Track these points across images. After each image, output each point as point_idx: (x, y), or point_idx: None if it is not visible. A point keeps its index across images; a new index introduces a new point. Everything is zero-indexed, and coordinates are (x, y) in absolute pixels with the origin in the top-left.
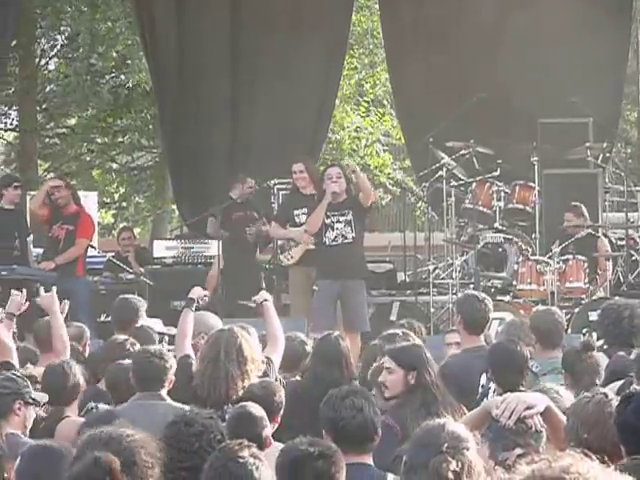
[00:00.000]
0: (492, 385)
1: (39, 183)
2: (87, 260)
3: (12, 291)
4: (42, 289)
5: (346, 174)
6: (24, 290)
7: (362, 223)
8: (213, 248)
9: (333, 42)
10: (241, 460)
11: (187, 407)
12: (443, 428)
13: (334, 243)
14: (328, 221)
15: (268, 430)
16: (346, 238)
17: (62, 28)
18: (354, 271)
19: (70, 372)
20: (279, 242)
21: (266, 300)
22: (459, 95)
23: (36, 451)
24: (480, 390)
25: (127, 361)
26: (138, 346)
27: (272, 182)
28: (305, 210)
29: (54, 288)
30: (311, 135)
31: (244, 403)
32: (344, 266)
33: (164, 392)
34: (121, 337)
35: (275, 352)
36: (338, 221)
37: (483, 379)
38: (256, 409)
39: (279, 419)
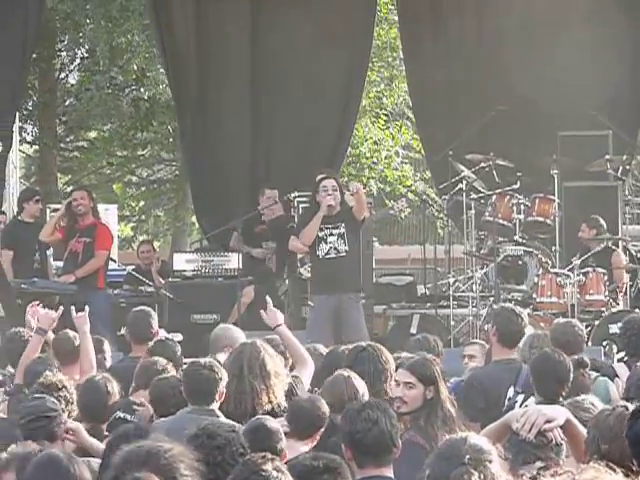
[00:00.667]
0: (519, 398)
1: (59, 196)
2: (107, 273)
3: (39, 307)
4: (73, 309)
5: (341, 187)
6: (60, 307)
7: (356, 236)
8: (233, 261)
9: (355, 54)
10: (264, 473)
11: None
12: (465, 441)
13: (327, 256)
14: (321, 234)
15: (284, 443)
16: (339, 251)
17: (81, 41)
18: (349, 284)
19: (111, 391)
20: (299, 255)
21: (279, 325)
22: (479, 108)
23: (41, 461)
24: (506, 402)
25: (171, 374)
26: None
27: (293, 195)
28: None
29: (87, 307)
30: (332, 148)
31: (260, 416)
32: (339, 280)
33: (215, 406)
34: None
35: (305, 371)
36: (331, 234)
37: (511, 392)
38: (272, 422)
39: (319, 435)
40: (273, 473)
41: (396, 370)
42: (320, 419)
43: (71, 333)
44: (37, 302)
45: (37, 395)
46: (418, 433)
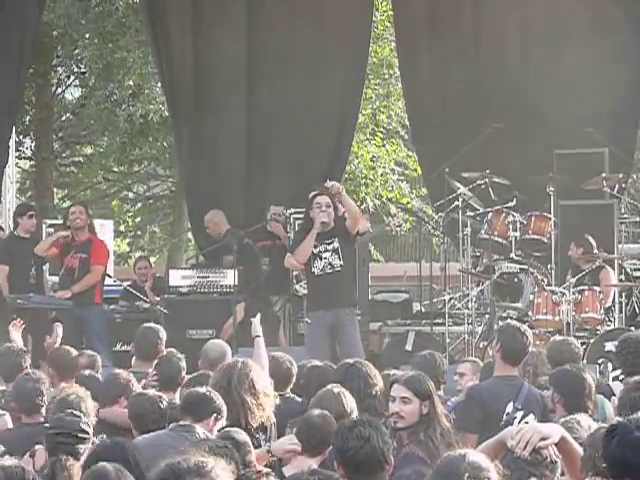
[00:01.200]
0: (518, 414)
1: (55, 211)
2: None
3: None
4: None
5: (334, 201)
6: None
7: (350, 250)
8: (229, 277)
9: (351, 72)
10: None
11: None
12: (464, 458)
13: (322, 272)
14: (316, 250)
15: (252, 455)
16: (334, 267)
17: (78, 57)
18: (345, 299)
19: (84, 410)
20: (294, 272)
21: (258, 336)
22: (475, 125)
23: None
24: (504, 418)
25: (152, 391)
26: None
27: (288, 212)
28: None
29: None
30: (329, 165)
31: (228, 429)
32: (334, 295)
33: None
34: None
35: None
36: (326, 250)
37: (509, 407)
38: (239, 434)
39: (328, 452)
40: None
41: (391, 386)
42: (331, 435)
43: (69, 348)
44: (17, 319)
45: (74, 413)
46: (418, 447)
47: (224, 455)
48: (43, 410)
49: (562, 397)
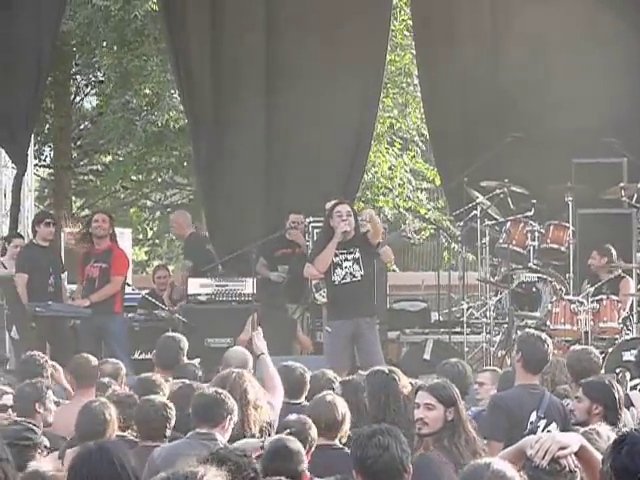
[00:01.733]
0: (541, 423)
1: (73, 220)
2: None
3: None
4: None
5: (355, 212)
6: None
7: (371, 260)
8: (248, 286)
9: (369, 80)
10: None
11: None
12: (489, 467)
13: (343, 282)
14: (336, 259)
15: (305, 464)
16: (355, 276)
17: (96, 65)
18: (365, 309)
19: (109, 418)
20: (314, 281)
21: (262, 354)
22: (494, 134)
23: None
24: (528, 427)
25: (159, 397)
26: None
27: (307, 220)
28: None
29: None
30: (347, 174)
31: (281, 436)
32: (355, 305)
33: (219, 431)
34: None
35: (275, 399)
36: (346, 259)
37: (533, 416)
38: (293, 443)
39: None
40: None
41: (416, 393)
42: (309, 442)
43: (89, 356)
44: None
45: (22, 422)
46: (442, 453)
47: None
48: (40, 417)
49: (604, 409)
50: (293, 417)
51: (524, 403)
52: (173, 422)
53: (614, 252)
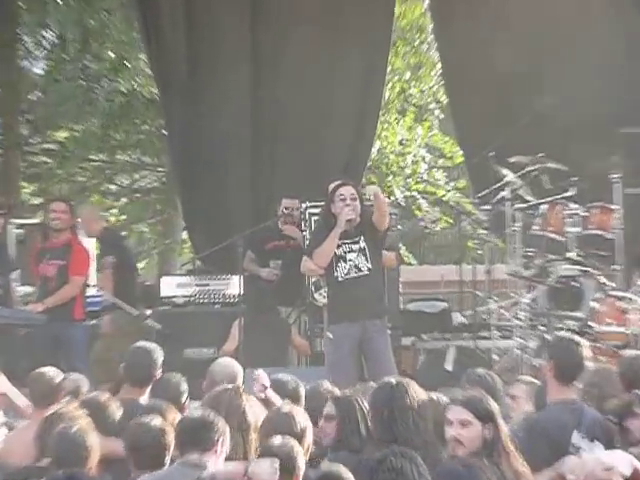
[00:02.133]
0: (583, 444)
1: (23, 209)
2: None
3: None
4: None
5: (361, 195)
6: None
7: (378, 250)
8: (233, 285)
9: (375, 36)
10: None
11: None
12: None
13: (348, 277)
14: (339, 251)
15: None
16: (360, 270)
17: (48, 23)
18: (373, 309)
19: (89, 446)
20: (312, 278)
21: (266, 387)
22: (526, 101)
23: None
24: (571, 450)
25: (155, 420)
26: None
27: (304, 206)
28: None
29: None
30: (350, 150)
31: (330, 467)
32: (362, 304)
33: (209, 457)
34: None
35: None
36: (350, 250)
37: (575, 437)
38: (344, 472)
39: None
40: None
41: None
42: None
43: (51, 371)
44: None
45: None
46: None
47: None
48: None
49: None
50: (277, 441)
51: (564, 424)
52: (172, 448)
53: None
